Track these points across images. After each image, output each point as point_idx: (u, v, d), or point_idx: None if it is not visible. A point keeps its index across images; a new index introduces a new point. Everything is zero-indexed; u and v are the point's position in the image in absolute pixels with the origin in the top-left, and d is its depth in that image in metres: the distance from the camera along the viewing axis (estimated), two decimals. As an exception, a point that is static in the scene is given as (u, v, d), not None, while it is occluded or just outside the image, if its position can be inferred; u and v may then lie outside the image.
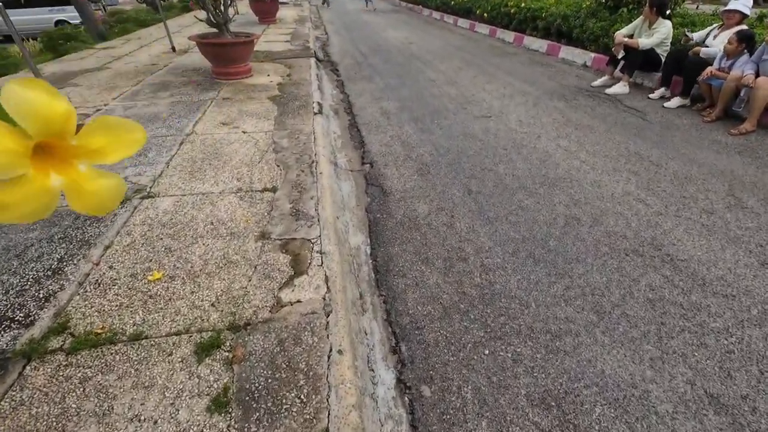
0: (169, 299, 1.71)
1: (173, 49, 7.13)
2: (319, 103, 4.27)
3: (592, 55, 5.98)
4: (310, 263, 1.93)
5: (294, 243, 2.08)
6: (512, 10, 8.37)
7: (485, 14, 9.62)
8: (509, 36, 8.52)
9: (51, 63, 6.69)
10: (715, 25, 4.30)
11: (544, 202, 2.70)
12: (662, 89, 4.51)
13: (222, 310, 1.65)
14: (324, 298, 1.72)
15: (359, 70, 6.45)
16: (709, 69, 3.82)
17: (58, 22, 14.02)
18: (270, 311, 1.65)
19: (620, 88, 4.74)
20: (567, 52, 6.61)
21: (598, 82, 5.12)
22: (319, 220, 2.25)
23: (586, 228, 2.42)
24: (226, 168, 2.85)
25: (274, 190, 2.58)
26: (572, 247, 2.25)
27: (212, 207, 2.38)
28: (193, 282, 1.80)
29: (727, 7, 4.03)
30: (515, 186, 2.91)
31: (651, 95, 4.58)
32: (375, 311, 1.92)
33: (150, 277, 1.82)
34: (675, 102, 4.17)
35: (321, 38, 9.91)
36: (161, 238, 2.09)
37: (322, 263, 1.93)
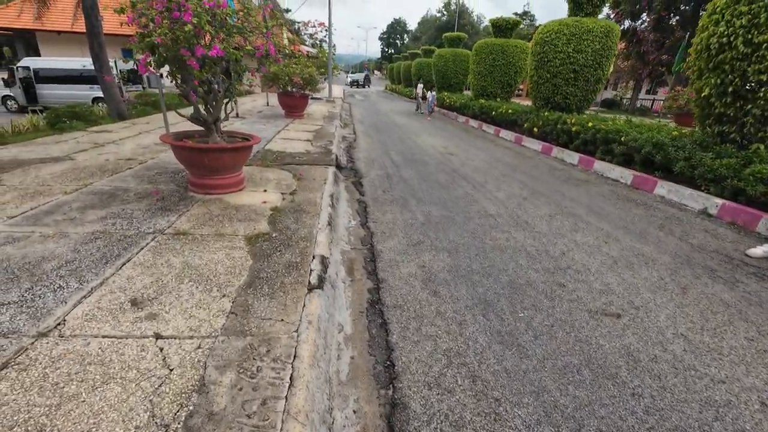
0: None
1: (169, 140, 5.96)
2: (322, 259, 2.56)
3: (719, 201, 4.27)
4: None
5: None
6: (574, 128, 7.11)
7: (535, 128, 8.49)
8: (570, 156, 7.15)
9: (21, 145, 5.50)
10: None
11: None
12: None
13: None
14: None
15: (389, 188, 4.94)
16: None
17: (95, 99, 14.27)
18: None
19: (816, 272, 2.89)
20: (668, 189, 4.97)
21: (758, 251, 3.31)
22: None
23: None
24: None
25: None
26: None
27: None
28: None
29: None
30: None
31: None
32: None
33: None
34: None
35: (348, 138, 8.90)
36: None
37: None
